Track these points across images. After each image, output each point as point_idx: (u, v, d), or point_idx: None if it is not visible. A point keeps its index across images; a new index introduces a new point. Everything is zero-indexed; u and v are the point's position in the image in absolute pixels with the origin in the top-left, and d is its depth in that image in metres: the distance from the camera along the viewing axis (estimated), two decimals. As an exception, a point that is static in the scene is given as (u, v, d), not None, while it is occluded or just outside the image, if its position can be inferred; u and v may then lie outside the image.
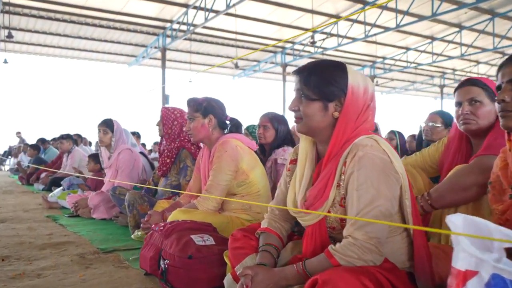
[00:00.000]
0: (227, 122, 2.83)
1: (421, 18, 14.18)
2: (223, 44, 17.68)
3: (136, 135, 8.44)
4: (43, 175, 7.92)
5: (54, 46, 17.22)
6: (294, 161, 1.74)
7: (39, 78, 33.86)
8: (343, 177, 1.46)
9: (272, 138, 3.47)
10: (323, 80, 1.49)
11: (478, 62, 20.90)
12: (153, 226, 2.28)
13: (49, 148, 9.06)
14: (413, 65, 20.01)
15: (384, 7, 14.26)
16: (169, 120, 3.46)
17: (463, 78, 2.80)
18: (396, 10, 13.94)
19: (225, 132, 2.80)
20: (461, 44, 16.88)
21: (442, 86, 24.67)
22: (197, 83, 20.09)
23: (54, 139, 9.96)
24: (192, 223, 2.23)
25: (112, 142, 4.23)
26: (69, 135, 7.09)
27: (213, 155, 2.66)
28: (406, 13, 14.00)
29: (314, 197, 1.51)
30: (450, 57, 18.71)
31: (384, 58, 19.99)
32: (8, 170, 14.92)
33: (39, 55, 18.09)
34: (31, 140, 12.62)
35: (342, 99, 1.47)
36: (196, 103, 2.74)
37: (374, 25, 15.05)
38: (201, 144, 3.54)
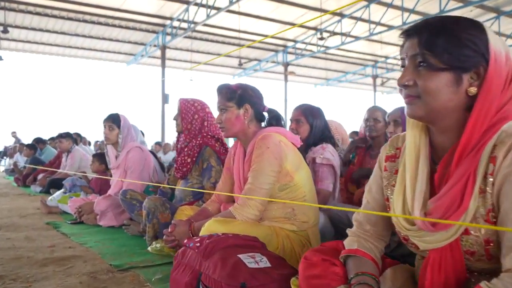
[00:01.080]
0: (265, 113, 2.35)
1: (426, 16, 13.76)
2: (223, 43, 17.19)
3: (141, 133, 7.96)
4: (40, 176, 7.40)
5: (50, 44, 16.66)
6: (393, 157, 1.28)
7: (35, 77, 33.28)
8: (491, 179, 1.01)
9: (307, 133, 2.97)
10: (456, 41, 1.03)
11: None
12: (185, 241, 1.79)
13: (46, 147, 8.54)
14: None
15: (389, 5, 13.87)
16: (189, 114, 2.99)
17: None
18: (402, 8, 13.52)
19: (263, 125, 2.32)
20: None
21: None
22: (197, 82, 19.49)
23: (52, 138, 9.43)
24: (236, 237, 1.75)
25: (119, 139, 3.75)
26: (68, 134, 6.58)
27: (250, 152, 2.18)
28: (412, 11, 13.60)
29: (446, 208, 1.04)
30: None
31: (386, 57, 19.57)
32: (3, 171, 14.33)
33: (35, 53, 17.50)
34: (27, 140, 12.09)
35: (482, 69, 1.04)
36: (229, 90, 2.26)
37: (378, 24, 14.62)
38: (229, 140, 3.09)
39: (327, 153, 2.80)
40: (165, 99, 16.12)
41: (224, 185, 2.46)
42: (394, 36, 16.70)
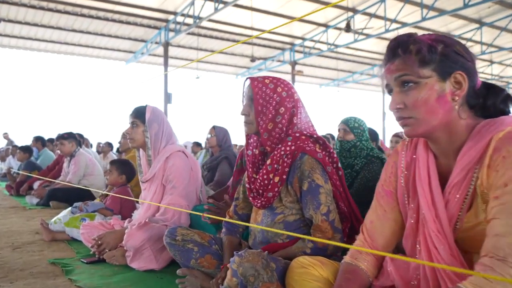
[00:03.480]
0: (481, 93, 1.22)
1: (442, 12, 12.74)
2: (228, 40, 16.03)
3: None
4: (36, 184, 6.21)
5: (46, 40, 15.37)
6: None
7: (28, 75, 31.61)
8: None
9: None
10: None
11: (491, 62, 19.60)
12: None
13: (44, 150, 7.30)
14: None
15: (407, 1, 12.86)
16: (270, 104, 1.82)
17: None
18: (422, 5, 12.49)
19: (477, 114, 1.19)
20: (481, 43, 15.52)
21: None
22: (202, 81, 18.31)
23: (49, 140, 8.20)
24: None
25: (147, 140, 2.60)
26: (71, 134, 5.39)
27: (468, 166, 1.07)
28: (431, 8, 12.58)
29: None
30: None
31: (396, 56, 18.54)
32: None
33: (29, 50, 16.17)
34: (20, 142, 10.82)
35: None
36: (421, 46, 1.13)
37: (394, 21, 13.57)
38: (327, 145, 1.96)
39: None
40: (168, 98, 14.91)
41: (382, 222, 1.33)
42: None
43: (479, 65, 20.01)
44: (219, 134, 4.39)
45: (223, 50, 16.76)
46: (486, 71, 20.77)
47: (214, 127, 4.43)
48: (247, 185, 1.89)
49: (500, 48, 16.65)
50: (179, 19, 14.00)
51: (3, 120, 25.48)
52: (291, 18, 14.22)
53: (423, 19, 12.57)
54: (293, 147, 1.75)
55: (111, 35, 15.29)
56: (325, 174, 1.71)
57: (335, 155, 1.80)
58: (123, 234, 2.51)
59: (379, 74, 1.19)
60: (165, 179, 2.58)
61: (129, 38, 15.67)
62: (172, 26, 14.45)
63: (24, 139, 16.74)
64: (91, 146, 9.43)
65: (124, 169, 3.32)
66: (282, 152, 1.75)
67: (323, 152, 1.76)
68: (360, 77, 21.16)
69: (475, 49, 16.89)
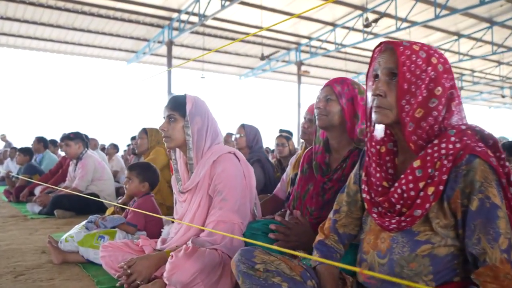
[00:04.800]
0: None
1: (454, 11, 12.22)
2: (233, 39, 15.43)
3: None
4: (38, 189, 5.59)
5: (45, 39, 14.71)
6: None
7: (26, 76, 30.76)
8: None
9: None
10: None
11: (499, 63, 19.10)
12: None
13: (46, 153, 6.67)
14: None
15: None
16: (418, 76, 1.18)
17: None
18: (435, 4, 11.95)
19: None
20: (492, 43, 15.00)
21: (460, 89, 22.75)
22: (206, 82, 17.71)
23: (51, 142, 7.57)
24: None
25: (188, 138, 2.01)
26: (78, 135, 4.79)
27: None
28: (444, 6, 12.05)
29: None
30: (473, 57, 16.87)
31: (403, 56, 17.98)
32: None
33: (28, 49, 15.51)
34: (18, 145, 10.16)
35: None
36: None
37: (405, 20, 13.03)
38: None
39: None
40: (171, 99, 14.27)
41: None
42: (414, 34, 15.13)
43: (487, 66, 19.53)
44: (250, 134, 3.81)
45: (229, 45, 16.21)
46: (493, 72, 20.30)
47: (243, 126, 3.85)
48: (366, 196, 1.29)
49: (509, 49, 16.14)
50: (184, 17, 13.40)
51: (1, 121, 24.74)
52: (300, 16, 13.67)
53: (437, 17, 12.03)
54: (458, 145, 1.15)
55: (112, 34, 14.67)
56: (500, 189, 1.12)
57: (508, 164, 1.19)
58: (160, 260, 1.92)
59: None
60: (212, 189, 1.99)
61: (131, 37, 15.05)
62: (176, 24, 13.85)
63: (22, 141, 16.05)
64: (100, 147, 8.72)
65: (147, 175, 2.72)
66: (443, 152, 1.15)
67: (494, 157, 1.17)
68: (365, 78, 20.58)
69: (484, 49, 16.43)
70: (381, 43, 1.25)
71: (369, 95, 1.26)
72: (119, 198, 3.61)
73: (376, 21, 12.59)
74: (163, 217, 2.38)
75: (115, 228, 2.57)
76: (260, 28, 14.40)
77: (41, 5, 12.34)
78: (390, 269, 1.21)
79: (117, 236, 2.50)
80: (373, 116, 1.23)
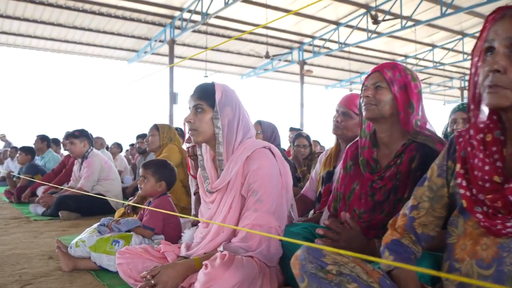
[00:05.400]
0: None
1: (458, 10, 12.01)
2: (238, 38, 15.21)
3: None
4: (40, 190, 5.35)
5: (45, 38, 14.43)
6: None
7: (26, 75, 30.42)
8: None
9: None
10: None
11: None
12: None
13: (48, 152, 6.41)
14: (432, 65, 17.86)
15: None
16: None
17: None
18: (441, 2, 11.74)
19: None
20: (496, 41, 14.78)
21: (462, 89, 22.51)
22: (210, 80, 17.42)
23: (54, 140, 7.31)
24: None
25: (217, 131, 1.77)
26: (83, 132, 4.55)
27: None
28: (450, 5, 11.85)
29: None
30: (477, 56, 16.63)
31: (406, 56, 17.79)
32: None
33: (28, 48, 15.24)
34: (18, 144, 9.88)
35: None
36: None
37: (410, 18, 12.81)
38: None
39: None
40: (173, 99, 14.04)
41: None
42: (417, 33, 14.89)
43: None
44: (267, 131, 3.57)
45: (231, 45, 15.96)
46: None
47: (260, 122, 3.61)
48: (465, 192, 1.05)
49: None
50: (186, 15, 13.16)
51: (0, 121, 24.45)
52: (300, 14, 13.46)
53: (443, 15, 11.83)
54: None
55: (113, 32, 14.41)
56: None
57: None
58: (187, 269, 1.69)
59: None
60: (245, 189, 1.75)
61: (132, 36, 14.79)
62: (178, 23, 13.61)
63: (22, 141, 15.74)
64: (107, 147, 8.44)
65: (164, 173, 2.48)
66: None
67: None
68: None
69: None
70: (497, 8, 1.02)
71: (481, 71, 1.01)
72: (130, 198, 3.37)
73: (384, 18, 12.33)
74: (190, 217, 2.12)
75: (130, 232, 2.33)
76: (264, 27, 14.19)
77: (41, 3, 12.08)
78: (497, 283, 0.97)
79: (133, 241, 2.26)
80: (487, 97, 0.99)
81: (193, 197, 2.45)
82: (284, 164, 1.84)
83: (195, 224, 2.33)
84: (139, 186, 2.48)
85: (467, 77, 21.35)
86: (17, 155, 6.59)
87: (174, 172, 2.54)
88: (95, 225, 2.42)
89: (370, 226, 1.65)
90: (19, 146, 6.79)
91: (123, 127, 23.22)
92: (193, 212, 2.65)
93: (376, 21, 11.88)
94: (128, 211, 3.17)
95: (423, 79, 19.19)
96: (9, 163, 8.33)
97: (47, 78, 33.03)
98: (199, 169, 1.94)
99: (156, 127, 3.59)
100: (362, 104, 1.72)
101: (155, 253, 1.96)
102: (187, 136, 2.51)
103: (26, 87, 30.85)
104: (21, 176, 5.79)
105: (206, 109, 1.80)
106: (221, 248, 1.70)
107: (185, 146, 2.49)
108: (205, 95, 1.81)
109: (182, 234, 2.27)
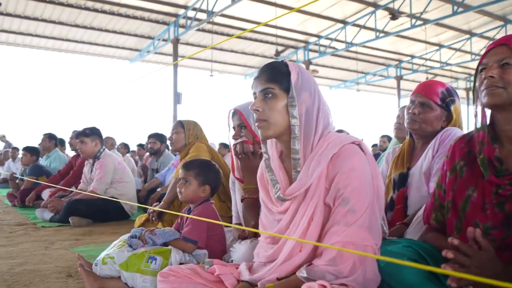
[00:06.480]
0: None
1: (468, 8, 11.68)
2: (243, 38, 14.82)
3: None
4: (45, 193, 4.95)
5: (46, 37, 13.98)
6: None
7: (25, 75, 29.82)
8: None
9: None
10: None
11: (509, 63, 18.58)
12: None
13: (54, 151, 5.98)
14: (438, 65, 17.50)
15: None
16: None
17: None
18: (453, 1, 11.40)
19: None
20: (506, 41, 14.46)
21: (468, 90, 22.16)
22: (211, 82, 17.05)
23: (59, 141, 6.87)
24: None
25: (293, 121, 1.39)
26: (94, 130, 4.15)
27: None
28: (461, 4, 11.51)
29: None
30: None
31: (412, 56, 17.41)
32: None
33: (29, 47, 14.77)
34: (18, 145, 9.44)
35: None
36: None
37: (419, 18, 12.47)
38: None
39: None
40: (177, 98, 13.62)
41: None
42: (423, 32, 14.54)
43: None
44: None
45: (236, 44, 15.55)
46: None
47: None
48: None
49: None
50: (191, 13, 12.76)
51: (0, 121, 23.94)
52: (306, 12, 13.10)
53: (454, 13, 11.48)
54: None
55: (116, 31, 13.98)
56: None
57: None
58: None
59: None
60: (331, 196, 1.35)
61: (135, 35, 14.36)
62: (182, 21, 13.20)
63: (22, 141, 15.30)
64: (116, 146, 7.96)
65: (209, 176, 2.07)
66: None
67: None
68: (373, 78, 19.95)
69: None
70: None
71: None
72: (155, 204, 2.97)
73: (401, 13, 11.91)
74: (265, 232, 1.66)
75: (166, 245, 1.93)
76: (270, 25, 13.81)
77: (43, 1, 11.66)
78: None
79: (173, 257, 1.85)
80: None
81: (239, 204, 2.04)
82: (375, 165, 1.45)
83: (245, 237, 1.93)
84: (178, 190, 2.07)
85: (472, 78, 21.06)
86: (20, 155, 6.18)
87: (219, 175, 2.13)
88: (124, 237, 2.02)
89: (503, 246, 1.26)
90: (18, 146, 6.37)
91: (126, 127, 22.76)
92: (234, 221, 2.24)
93: (394, 17, 11.48)
94: (153, 218, 2.77)
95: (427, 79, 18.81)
96: (11, 164, 7.90)
97: (47, 77, 32.49)
98: (265, 171, 1.55)
99: (181, 124, 3.17)
100: (482, 88, 1.33)
101: (207, 276, 1.56)
102: (230, 130, 2.12)
103: (26, 87, 30.29)
104: (25, 178, 5.38)
105: (278, 95, 1.41)
106: (303, 273, 1.30)
107: (230, 142, 2.09)
108: (277, 77, 1.42)
109: (231, 249, 1.87)
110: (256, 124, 1.44)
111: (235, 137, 2.05)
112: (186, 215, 2.02)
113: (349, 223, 1.31)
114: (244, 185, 2.04)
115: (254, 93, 1.48)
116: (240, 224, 2.12)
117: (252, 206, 1.97)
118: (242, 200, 2.01)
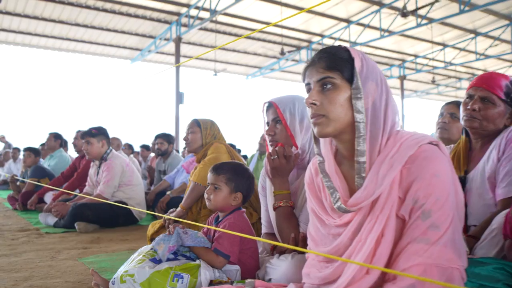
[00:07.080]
0: None
1: (474, 7, 11.46)
2: (247, 37, 14.55)
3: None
4: (48, 196, 4.71)
5: (46, 36, 13.70)
6: None
7: (25, 74, 29.44)
8: None
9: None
10: None
11: (513, 63, 18.46)
12: None
13: (58, 151, 5.71)
14: (442, 65, 17.29)
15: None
16: None
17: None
18: (460, 1, 11.20)
19: None
20: (511, 42, 14.27)
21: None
22: (213, 82, 16.79)
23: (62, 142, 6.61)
24: None
25: (359, 117, 1.18)
26: (101, 130, 3.90)
27: None
28: (468, 3, 11.29)
29: None
30: (488, 56, 16.11)
31: (416, 56, 17.19)
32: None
33: (28, 46, 14.48)
34: (18, 146, 9.16)
35: None
36: None
37: (424, 17, 12.24)
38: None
39: None
40: (179, 98, 13.36)
41: None
42: (428, 32, 14.31)
43: (500, 66, 18.82)
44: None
45: (238, 43, 15.31)
46: (507, 73, 19.62)
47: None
48: None
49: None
50: (193, 12, 12.50)
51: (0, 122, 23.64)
52: (313, 12, 12.87)
53: (461, 11, 11.27)
54: None
55: (117, 30, 13.72)
56: None
57: None
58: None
59: None
60: (406, 207, 1.12)
61: (136, 34, 14.09)
62: (184, 20, 12.95)
63: (22, 142, 15.03)
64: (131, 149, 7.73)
65: (241, 181, 1.82)
66: None
67: None
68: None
69: (500, 48, 15.74)
70: None
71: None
72: (172, 210, 2.72)
73: (418, 9, 11.65)
74: (332, 256, 1.38)
75: (194, 260, 1.68)
76: (274, 24, 13.57)
77: (43, -2, 11.41)
78: None
79: (202, 275, 1.61)
80: None
81: (272, 213, 1.80)
82: (454, 170, 1.21)
83: (282, 251, 1.69)
84: (206, 196, 1.82)
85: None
86: (21, 156, 5.92)
87: (253, 181, 1.88)
88: (143, 249, 1.77)
89: None
90: (18, 146, 6.11)
91: (126, 127, 22.48)
92: (264, 230, 2.00)
93: (404, 14, 11.25)
94: (169, 225, 2.53)
95: (432, 80, 18.63)
96: (11, 165, 7.64)
97: (47, 77, 32.12)
98: (317, 177, 1.31)
99: (197, 123, 2.92)
100: None
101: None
102: (266, 128, 1.88)
103: (26, 87, 29.94)
104: (26, 180, 5.13)
105: (339, 85, 1.17)
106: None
107: (266, 138, 1.85)
108: (338, 64, 1.18)
109: (268, 265, 1.63)
110: (312, 120, 1.21)
111: (269, 132, 1.82)
112: (213, 227, 1.76)
113: (431, 241, 1.07)
114: (276, 190, 1.80)
115: (308, 84, 1.24)
116: (273, 235, 1.88)
117: (289, 215, 1.74)
118: (275, 209, 1.77)
